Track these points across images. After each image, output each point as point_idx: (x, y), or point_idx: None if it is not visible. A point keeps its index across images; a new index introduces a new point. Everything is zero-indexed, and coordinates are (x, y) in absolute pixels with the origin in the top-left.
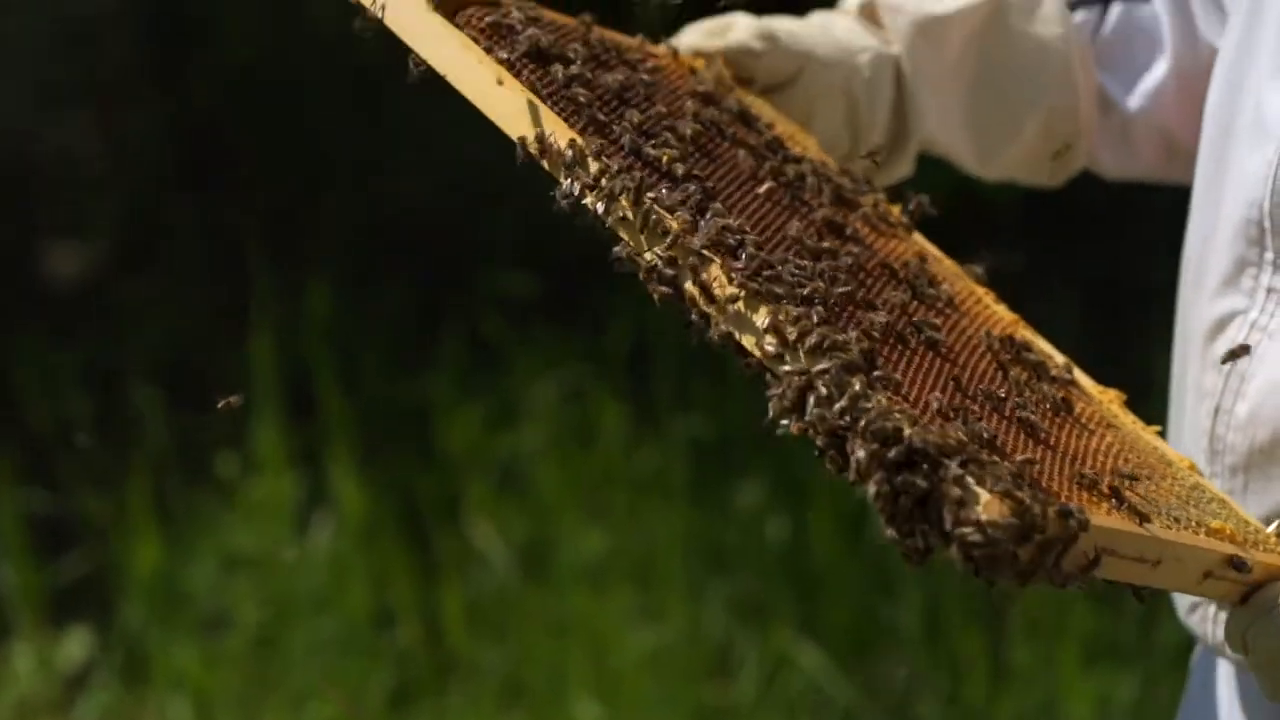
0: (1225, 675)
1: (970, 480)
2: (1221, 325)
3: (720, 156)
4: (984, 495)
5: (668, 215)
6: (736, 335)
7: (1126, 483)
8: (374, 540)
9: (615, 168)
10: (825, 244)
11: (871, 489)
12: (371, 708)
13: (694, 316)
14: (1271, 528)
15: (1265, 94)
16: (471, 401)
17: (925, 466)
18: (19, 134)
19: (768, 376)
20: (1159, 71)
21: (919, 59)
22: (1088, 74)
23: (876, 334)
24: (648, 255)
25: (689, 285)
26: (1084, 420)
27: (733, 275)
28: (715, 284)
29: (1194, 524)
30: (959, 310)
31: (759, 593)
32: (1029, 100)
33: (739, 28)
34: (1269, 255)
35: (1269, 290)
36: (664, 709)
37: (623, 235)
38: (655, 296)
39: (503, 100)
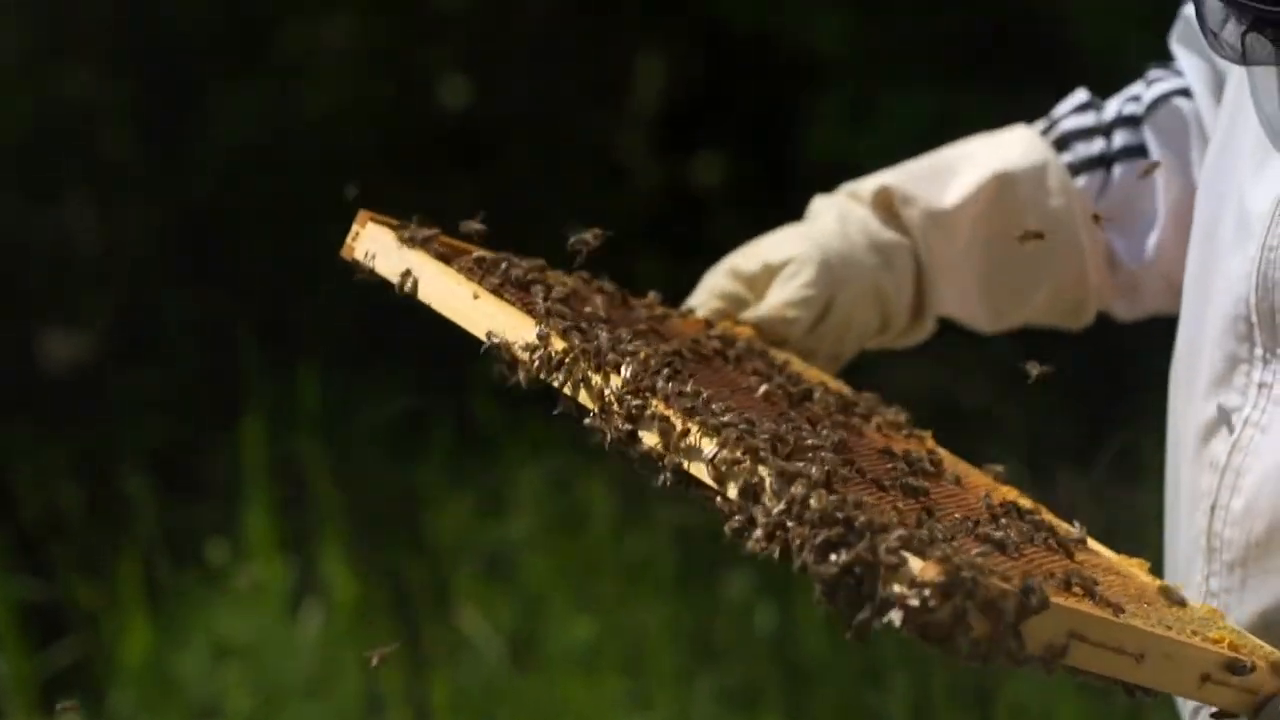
0: None
1: (905, 551)
2: (1215, 425)
3: (717, 368)
4: (918, 562)
5: (622, 362)
6: (686, 465)
7: (1107, 588)
8: (364, 627)
9: (579, 345)
10: (806, 422)
11: (811, 566)
12: None
13: (658, 466)
14: None
15: (1246, 194)
16: (460, 489)
17: (861, 541)
18: (14, 223)
19: (717, 501)
20: (1161, 222)
21: (934, 248)
22: (1094, 240)
23: (831, 464)
24: (607, 400)
25: (644, 434)
26: (1081, 562)
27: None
28: (672, 421)
29: (1189, 631)
30: (962, 486)
31: (748, 682)
32: (1039, 273)
33: (770, 296)
34: (1258, 351)
35: (1260, 385)
36: None
37: (583, 399)
38: (608, 444)
39: (480, 309)
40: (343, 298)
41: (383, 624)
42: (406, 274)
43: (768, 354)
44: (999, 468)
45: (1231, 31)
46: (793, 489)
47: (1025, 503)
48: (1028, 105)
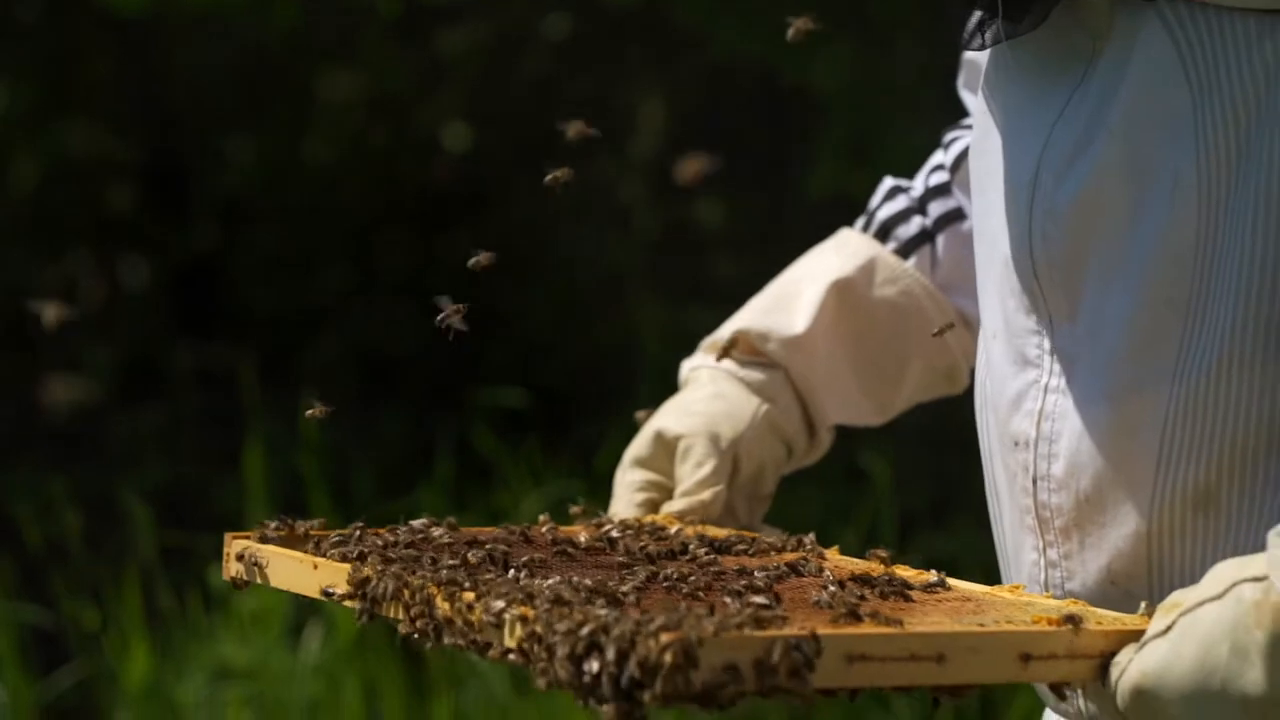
0: None
1: (632, 635)
2: (1018, 401)
3: (579, 560)
4: (664, 635)
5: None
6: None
7: (902, 614)
8: (365, 652)
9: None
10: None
11: (581, 696)
12: None
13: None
14: (1139, 610)
15: (1009, 170)
16: (462, 517)
17: (598, 647)
18: (20, 273)
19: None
20: None
21: (803, 371)
22: (941, 308)
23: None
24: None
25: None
26: (914, 601)
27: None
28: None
29: (1004, 622)
30: (817, 577)
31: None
32: (900, 356)
33: (680, 484)
34: (1047, 319)
35: (1053, 351)
36: None
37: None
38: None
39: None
40: (344, 339)
41: (383, 648)
42: (258, 569)
43: (660, 530)
44: (883, 552)
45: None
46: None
47: (883, 572)
48: None
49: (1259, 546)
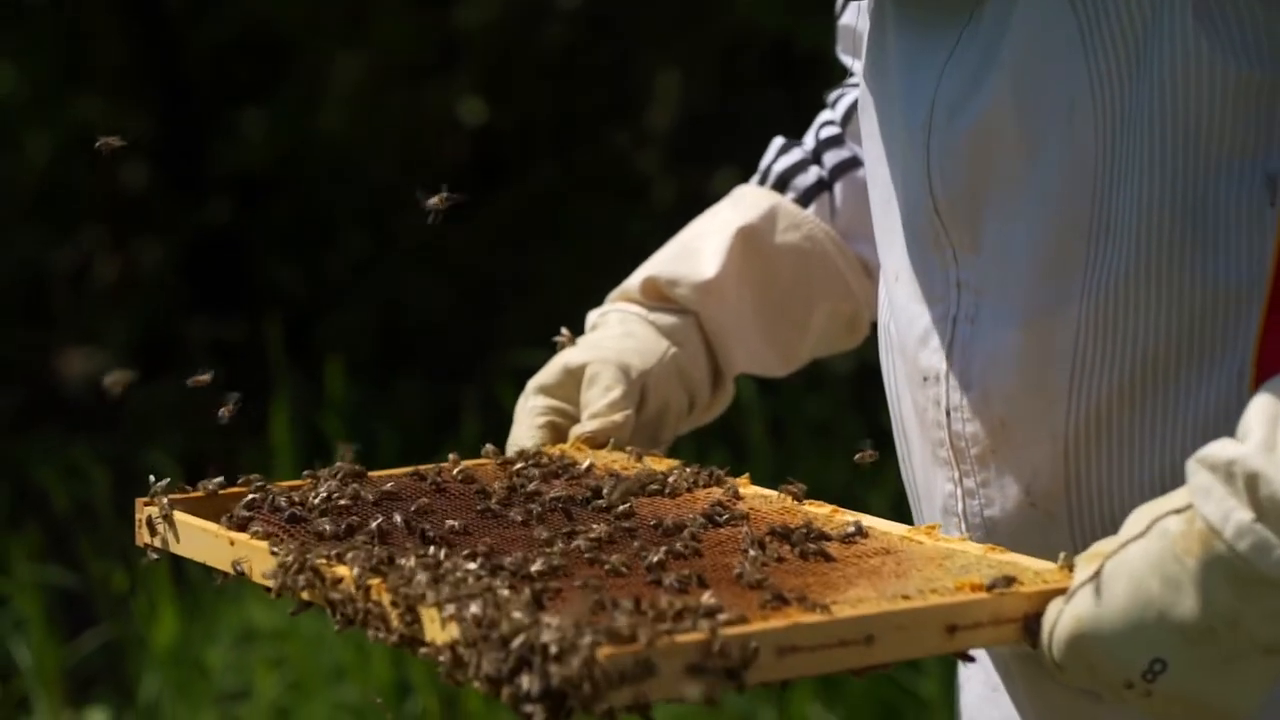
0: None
1: (564, 649)
2: (926, 336)
3: (488, 516)
4: (583, 654)
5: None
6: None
7: (827, 590)
8: (371, 640)
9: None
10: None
11: (511, 706)
12: None
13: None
14: (1059, 560)
15: (905, 111)
16: None
17: (533, 658)
18: (36, 249)
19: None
20: None
21: (713, 315)
22: (843, 253)
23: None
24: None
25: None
26: (835, 560)
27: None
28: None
29: (928, 592)
30: (739, 525)
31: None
32: (806, 301)
33: (588, 407)
34: (949, 253)
35: (959, 284)
36: None
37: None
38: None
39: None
40: (365, 307)
41: None
42: (170, 537)
43: (573, 466)
44: (794, 487)
45: None
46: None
47: (801, 519)
48: None
49: (1174, 454)
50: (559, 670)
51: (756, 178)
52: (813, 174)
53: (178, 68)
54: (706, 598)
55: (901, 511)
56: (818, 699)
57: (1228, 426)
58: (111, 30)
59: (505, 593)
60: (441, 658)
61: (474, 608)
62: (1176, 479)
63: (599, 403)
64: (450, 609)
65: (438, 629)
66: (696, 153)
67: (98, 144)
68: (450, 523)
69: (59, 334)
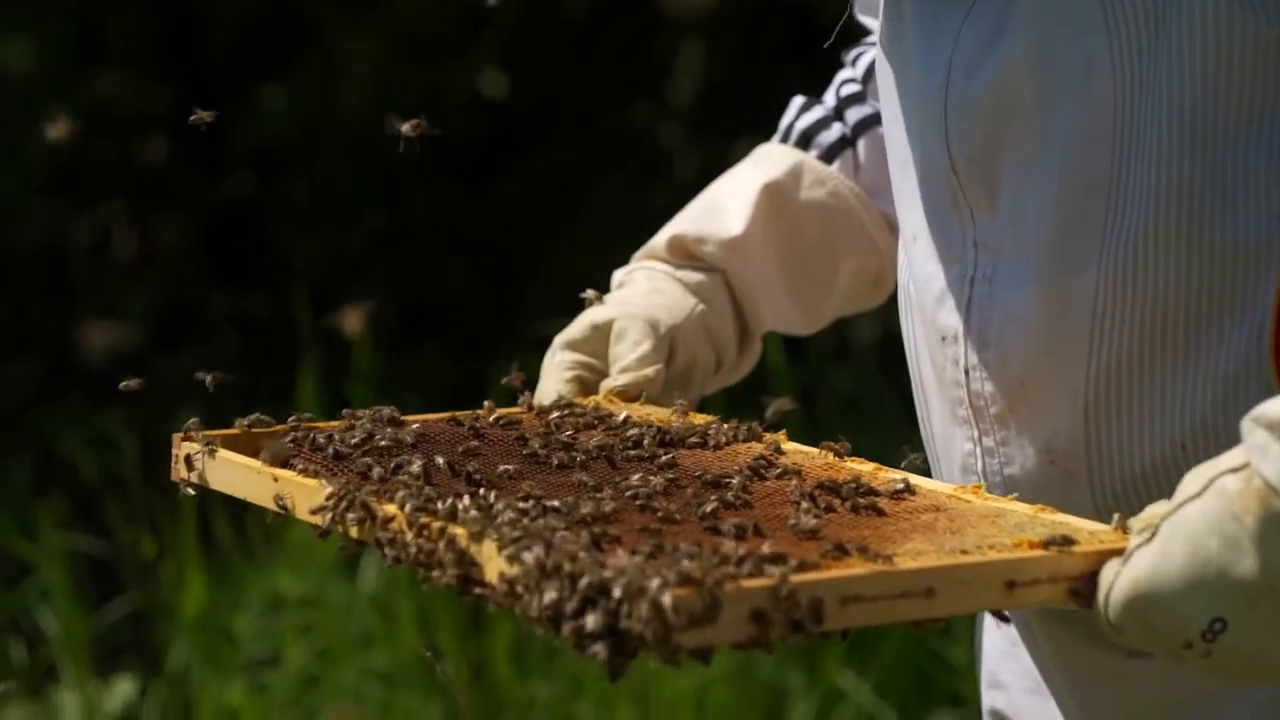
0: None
1: (634, 592)
2: (944, 295)
3: (530, 462)
4: (665, 595)
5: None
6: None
7: (885, 542)
8: (420, 583)
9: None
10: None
11: (571, 642)
12: None
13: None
14: (1112, 522)
15: (922, 72)
16: None
17: (599, 598)
18: (56, 223)
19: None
20: None
21: (740, 273)
22: (868, 209)
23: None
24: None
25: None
26: (888, 515)
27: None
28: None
29: (988, 547)
30: (787, 479)
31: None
32: (832, 258)
33: (618, 361)
34: (966, 213)
35: (976, 244)
36: None
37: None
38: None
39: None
40: (386, 281)
41: None
42: (199, 474)
43: (609, 418)
44: (836, 444)
45: None
46: (533, 561)
47: (847, 474)
48: None
49: (1194, 411)
50: (627, 611)
51: (778, 136)
52: (835, 131)
53: (197, 43)
54: (768, 546)
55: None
56: (849, 665)
57: (1247, 383)
58: (130, 5)
59: (564, 533)
60: (499, 597)
61: (537, 547)
62: (1197, 436)
63: (629, 357)
64: (511, 548)
65: (496, 568)
66: (718, 125)
67: (192, 118)
68: (505, 467)
69: (79, 307)
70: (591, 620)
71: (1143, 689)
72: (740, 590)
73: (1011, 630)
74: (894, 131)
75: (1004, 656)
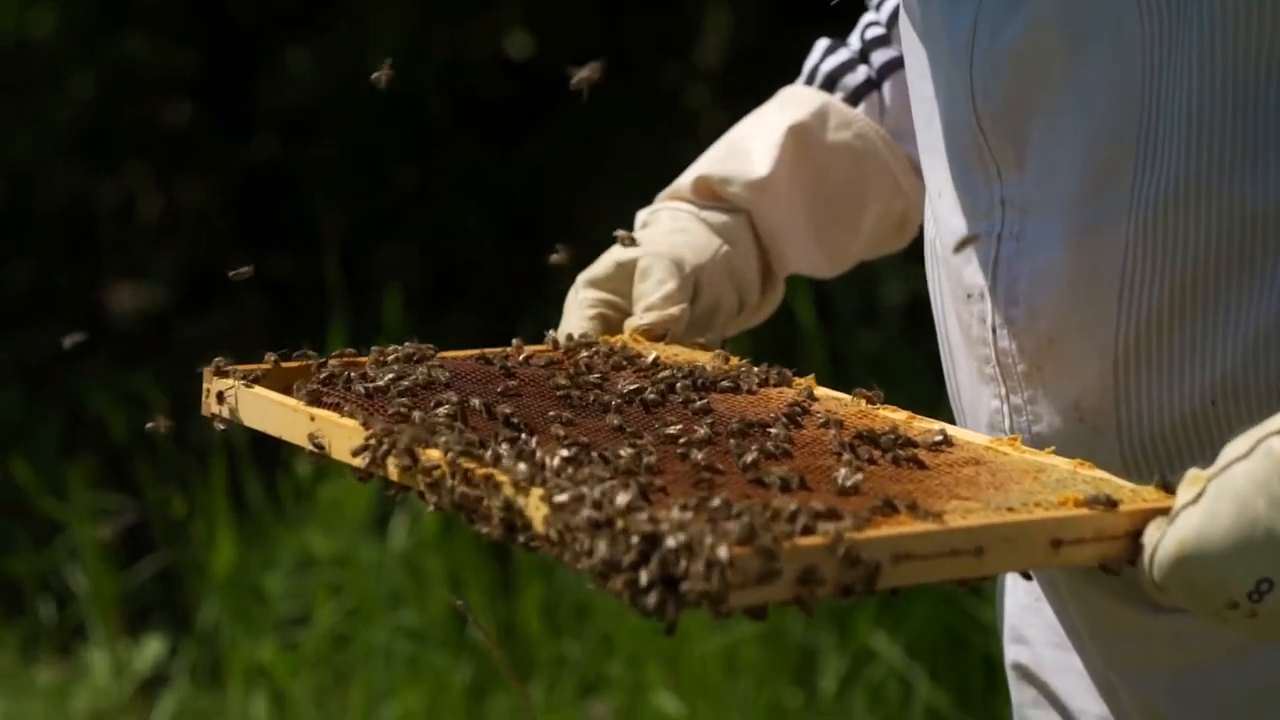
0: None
1: (695, 542)
2: (970, 253)
3: (560, 402)
4: (722, 550)
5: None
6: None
7: (932, 498)
8: (450, 542)
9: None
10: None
11: (622, 594)
12: (451, 700)
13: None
14: (1153, 481)
15: (948, 29)
16: None
17: (654, 553)
18: (82, 186)
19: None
20: None
21: (766, 214)
22: (894, 153)
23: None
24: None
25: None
26: (929, 468)
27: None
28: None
29: (1033, 504)
30: (830, 426)
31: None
32: (858, 200)
33: (642, 300)
34: (993, 169)
35: (1003, 201)
36: (742, 703)
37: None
38: (432, 507)
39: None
40: (414, 242)
41: (469, 539)
42: (230, 409)
43: (636, 358)
44: (868, 391)
45: None
46: (586, 515)
47: (883, 423)
48: None
49: (1224, 368)
50: (684, 568)
51: (803, 78)
52: (861, 73)
53: (222, 5)
54: (818, 502)
55: None
56: (880, 625)
57: (1278, 339)
58: None
59: (613, 483)
60: (546, 546)
61: (588, 498)
62: (1226, 393)
63: (653, 295)
64: (561, 497)
65: (543, 517)
66: (745, 86)
67: (374, 74)
68: (542, 410)
69: (106, 269)
70: (645, 575)
71: (1169, 644)
72: (797, 549)
73: (1034, 585)
74: (919, 88)
75: (1027, 611)
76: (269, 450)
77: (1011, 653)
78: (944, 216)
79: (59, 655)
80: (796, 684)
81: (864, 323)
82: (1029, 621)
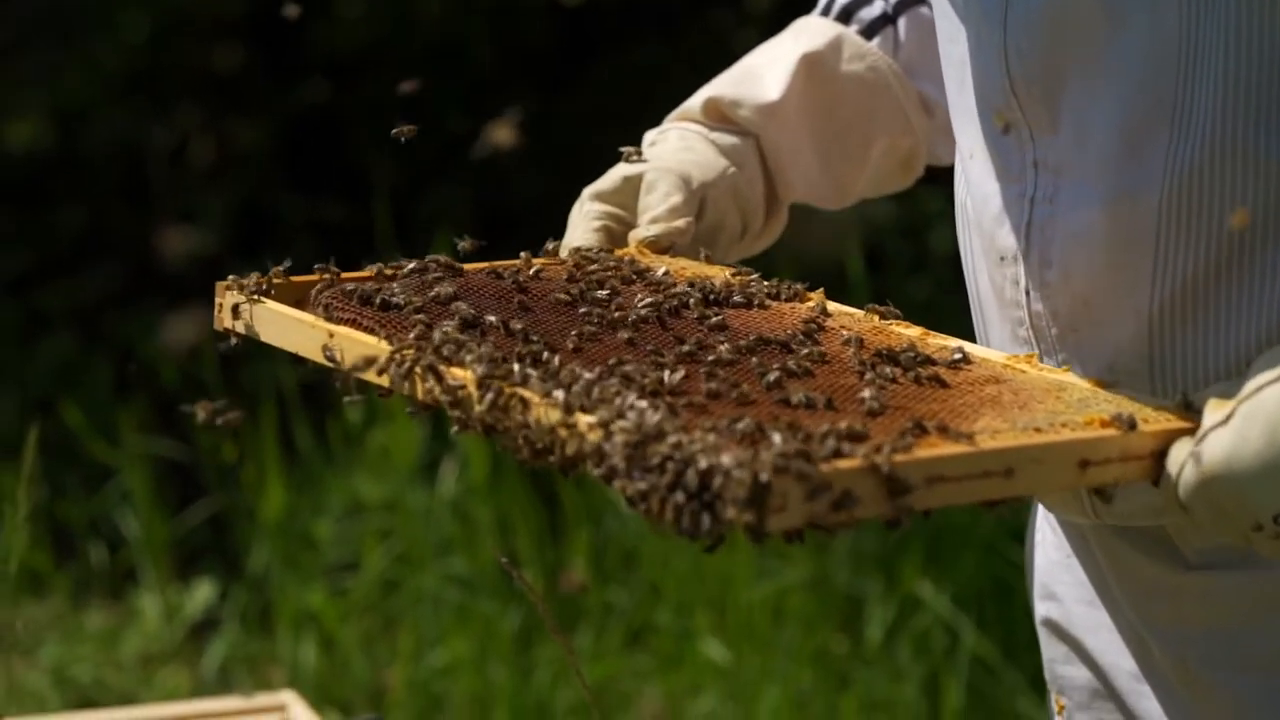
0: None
1: (726, 470)
2: (1003, 215)
3: (578, 319)
4: (747, 472)
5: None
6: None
7: (959, 419)
8: (499, 488)
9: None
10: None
11: (659, 516)
12: (499, 647)
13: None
14: (1174, 401)
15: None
16: None
17: (692, 475)
18: (133, 129)
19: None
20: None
21: (774, 139)
22: (905, 89)
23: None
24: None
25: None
26: (951, 387)
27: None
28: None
29: (1059, 424)
30: (848, 344)
31: (885, 542)
32: (866, 133)
33: (647, 212)
34: (1025, 132)
35: (1036, 163)
36: (789, 651)
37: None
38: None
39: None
40: (464, 187)
41: (517, 485)
42: (245, 324)
43: (646, 272)
44: (881, 307)
45: None
46: (624, 432)
47: (901, 340)
48: None
49: (1259, 329)
50: (722, 490)
51: (819, 9)
52: (877, 7)
53: None
54: (848, 423)
55: None
56: (926, 575)
57: None
58: None
59: (643, 404)
60: (582, 466)
61: (621, 421)
62: (1262, 353)
63: (659, 208)
64: (592, 418)
65: (575, 439)
66: None
67: (394, 130)
68: (572, 329)
69: (157, 211)
70: (682, 497)
71: (1200, 602)
72: (837, 472)
73: (1064, 542)
74: (950, 50)
75: (1056, 568)
76: (319, 396)
77: (1042, 609)
78: (975, 178)
79: (110, 600)
80: (843, 632)
81: (913, 272)
82: (1059, 578)
